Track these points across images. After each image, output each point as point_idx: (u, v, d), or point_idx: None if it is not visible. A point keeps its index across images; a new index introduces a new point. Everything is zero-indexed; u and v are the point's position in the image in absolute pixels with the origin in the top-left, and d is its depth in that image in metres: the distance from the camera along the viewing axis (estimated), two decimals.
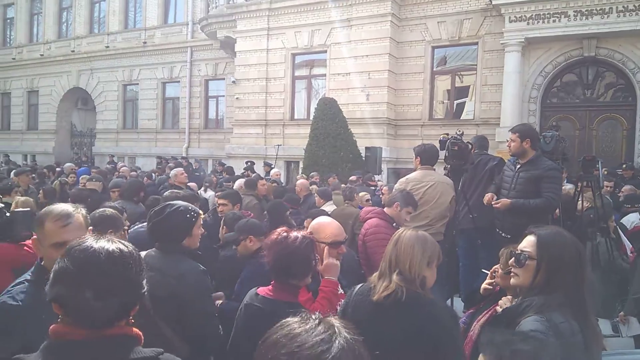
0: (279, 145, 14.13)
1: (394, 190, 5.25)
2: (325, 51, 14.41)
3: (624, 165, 9.48)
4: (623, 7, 10.71)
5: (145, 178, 10.46)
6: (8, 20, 23.71)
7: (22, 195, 5.60)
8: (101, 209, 3.34)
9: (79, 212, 1.93)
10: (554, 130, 5.01)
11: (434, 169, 4.71)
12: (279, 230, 2.29)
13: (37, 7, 22.55)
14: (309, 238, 2.25)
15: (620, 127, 11.87)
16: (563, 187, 5.04)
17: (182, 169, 7.64)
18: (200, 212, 2.64)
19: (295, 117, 15.18)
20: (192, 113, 18.26)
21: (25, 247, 3.14)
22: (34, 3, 22.66)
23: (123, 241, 1.29)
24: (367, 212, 4.12)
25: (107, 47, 19.93)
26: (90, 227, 2.02)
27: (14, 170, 9.68)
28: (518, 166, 4.45)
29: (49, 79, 21.77)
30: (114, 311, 1.19)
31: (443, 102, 13.93)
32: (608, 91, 12.09)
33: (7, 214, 3.29)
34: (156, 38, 18.96)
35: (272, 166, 12.87)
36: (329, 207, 6.14)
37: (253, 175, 11.14)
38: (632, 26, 10.69)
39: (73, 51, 20.87)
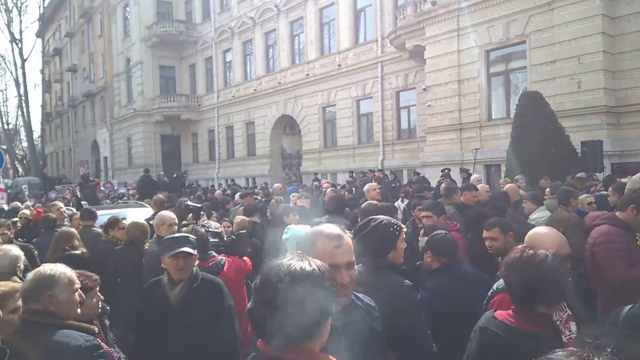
0: (476, 149, 13.39)
1: (626, 189, 4.46)
2: (524, 42, 13.32)
3: None
4: None
5: (346, 192, 10.95)
6: (227, 64, 27.76)
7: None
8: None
9: (347, 235, 1.88)
10: None
11: None
12: (520, 246, 2.07)
13: (249, 48, 25.93)
14: (559, 256, 1.98)
15: None
16: None
17: (374, 184, 7.65)
18: (402, 225, 2.55)
19: (493, 117, 14.27)
20: (385, 126, 18.66)
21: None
22: (246, 45, 26.12)
23: (315, 261, 1.33)
24: (594, 218, 3.56)
25: (307, 74, 21.77)
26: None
27: (239, 193, 11.13)
28: None
29: (261, 110, 24.78)
30: (303, 331, 1.21)
31: None
32: None
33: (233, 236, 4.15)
34: (349, 59, 20.02)
35: (470, 172, 12.24)
36: (540, 213, 5.51)
37: (449, 183, 10.82)
38: None
39: (279, 83, 23.38)
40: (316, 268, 1.28)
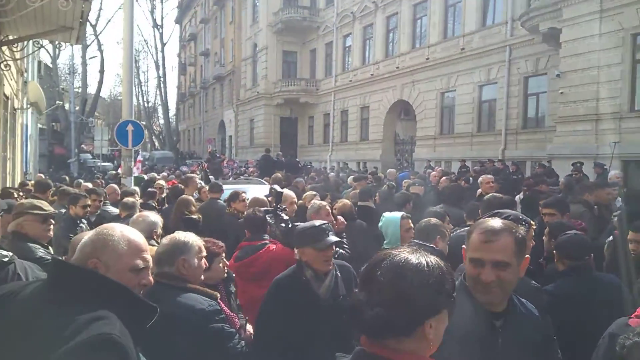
0: (615, 142, 12.07)
1: None
2: None
3: None
4: None
5: (463, 182, 10.50)
6: (347, 49, 27.99)
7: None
8: (426, 219, 3.54)
9: (511, 232, 1.73)
10: None
11: None
12: None
13: (369, 32, 25.86)
14: None
15: None
16: None
17: (490, 176, 7.15)
18: (532, 222, 2.42)
19: (637, 108, 12.72)
20: (510, 113, 17.52)
21: None
22: (366, 29, 26.09)
23: (429, 256, 1.24)
24: None
25: (427, 59, 21.18)
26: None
27: (352, 177, 11.25)
28: None
29: (377, 95, 24.67)
30: (403, 329, 1.15)
31: None
32: None
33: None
34: (474, 42, 19.06)
35: (606, 167, 11.11)
36: None
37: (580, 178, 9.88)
38: None
39: (397, 67, 23.04)
40: (425, 262, 1.20)
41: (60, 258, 1.60)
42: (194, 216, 5.34)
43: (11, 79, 10.34)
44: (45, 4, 5.61)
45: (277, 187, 5.08)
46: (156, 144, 54.51)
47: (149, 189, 7.59)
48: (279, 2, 31.31)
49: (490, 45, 18.21)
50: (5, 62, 8.08)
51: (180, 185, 7.61)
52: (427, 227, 3.36)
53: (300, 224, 3.11)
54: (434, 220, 3.47)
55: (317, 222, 2.86)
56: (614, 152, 11.94)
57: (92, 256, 1.53)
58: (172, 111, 53.87)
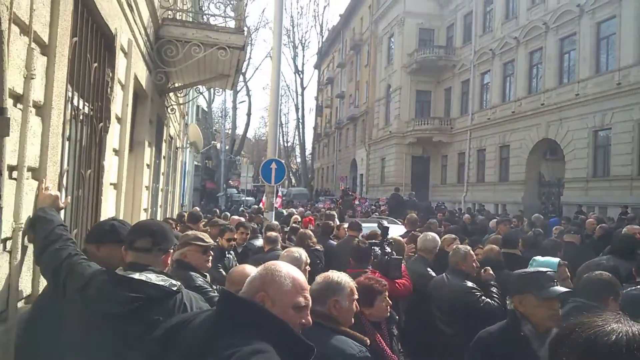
0: None
1: None
2: None
3: None
4: None
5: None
6: (485, 86, 27.08)
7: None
8: (596, 272, 3.05)
9: None
10: None
11: None
12: None
13: (510, 69, 24.79)
14: None
15: None
16: None
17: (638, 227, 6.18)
18: None
19: None
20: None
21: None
22: (506, 66, 25.05)
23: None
24: None
25: (577, 94, 19.55)
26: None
27: (495, 220, 10.66)
28: None
29: (519, 133, 23.26)
30: None
31: None
32: None
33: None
34: (631, 77, 17.17)
35: None
36: None
37: None
38: None
39: (542, 104, 21.59)
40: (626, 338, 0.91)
41: (229, 290, 1.72)
42: (317, 247, 5.86)
43: (175, 121, 11.78)
44: (207, 54, 6.34)
45: (384, 221, 5.53)
46: (293, 180, 57.52)
47: (293, 225, 7.98)
48: (414, 43, 31.65)
49: None
50: (171, 107, 9.26)
51: (328, 221, 7.86)
52: (597, 282, 2.81)
53: (518, 271, 2.81)
54: (606, 274, 2.92)
55: (542, 269, 2.59)
56: None
57: (260, 290, 1.62)
58: (308, 150, 56.71)
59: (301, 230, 6.24)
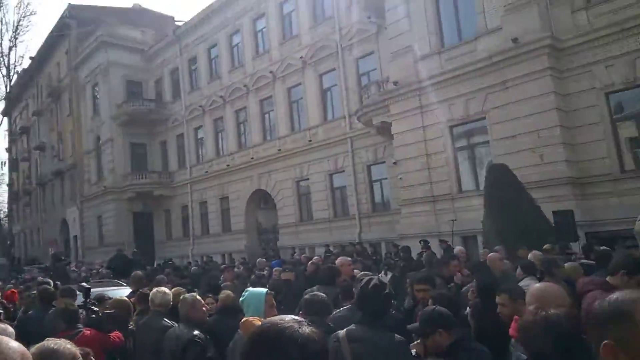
0: (453, 220, 13.59)
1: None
2: (484, 117, 13.93)
3: None
4: None
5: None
6: (199, 140, 28.05)
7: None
8: (310, 294, 3.82)
9: None
10: None
11: None
12: (532, 308, 2.06)
13: (220, 125, 26.36)
14: (572, 314, 1.99)
15: None
16: None
17: (348, 259, 7.50)
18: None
19: (463, 189, 14.66)
20: (360, 199, 18.95)
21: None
22: (217, 122, 26.57)
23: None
24: (584, 284, 3.67)
25: (279, 150, 22.17)
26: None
27: (223, 266, 11.08)
28: None
29: (235, 185, 24.88)
30: None
31: (633, 152, 12.14)
32: None
33: None
34: (319, 135, 20.55)
35: (449, 243, 12.43)
36: (529, 281, 5.46)
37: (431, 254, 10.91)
38: None
39: (252, 158, 23.66)
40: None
41: None
42: None
43: None
44: None
45: (85, 284, 5.90)
46: None
47: None
48: (122, 94, 30.45)
49: (333, 138, 19.82)
50: None
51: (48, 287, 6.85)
52: (318, 302, 3.52)
53: None
54: (322, 295, 3.65)
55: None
56: (453, 229, 13.41)
57: None
58: (3, 212, 47.67)
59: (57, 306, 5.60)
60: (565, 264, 5.82)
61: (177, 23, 32.75)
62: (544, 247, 8.08)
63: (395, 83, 15.80)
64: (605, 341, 1.19)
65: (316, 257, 12.02)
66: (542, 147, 12.54)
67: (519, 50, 12.85)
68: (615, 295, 1.26)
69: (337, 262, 7.30)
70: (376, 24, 18.01)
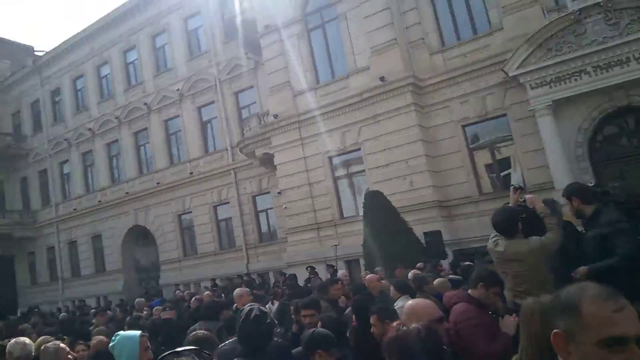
0: (335, 245, 14.25)
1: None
2: (359, 149, 14.93)
3: None
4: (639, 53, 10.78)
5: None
6: (65, 176, 25.88)
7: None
8: (194, 332, 3.83)
9: None
10: (619, 180, 4.79)
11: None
12: (395, 324, 2.13)
13: (89, 159, 24.63)
14: (433, 327, 2.07)
15: None
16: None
17: (246, 289, 7.45)
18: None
19: (345, 215, 15.48)
20: (246, 230, 18.95)
21: None
22: (85, 156, 24.78)
23: None
24: (450, 298, 3.79)
25: (158, 183, 21.34)
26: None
27: (92, 311, 10.36)
28: (582, 228, 4.24)
29: (109, 222, 23.31)
30: None
31: (489, 176, 13.92)
32: None
33: None
34: (200, 167, 20.22)
35: (335, 267, 13.01)
36: (401, 302, 5.43)
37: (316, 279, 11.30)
38: None
39: (127, 193, 22.42)
40: None
41: None
42: None
43: None
44: None
45: None
46: None
47: None
48: None
49: (216, 169, 19.64)
50: None
51: None
52: (200, 340, 3.50)
53: None
54: (204, 332, 3.75)
55: None
56: (336, 254, 14.07)
57: None
58: None
59: None
60: (435, 280, 6.28)
61: (37, 53, 30.17)
62: (417, 265, 8.83)
63: (275, 116, 16.29)
64: (556, 330, 1.28)
65: (207, 292, 11.85)
66: (411, 175, 13.78)
67: (386, 87, 14.11)
68: (566, 289, 1.33)
69: (235, 294, 7.19)
70: (254, 60, 18.47)
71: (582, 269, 3.87)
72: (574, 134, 12.07)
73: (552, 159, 11.86)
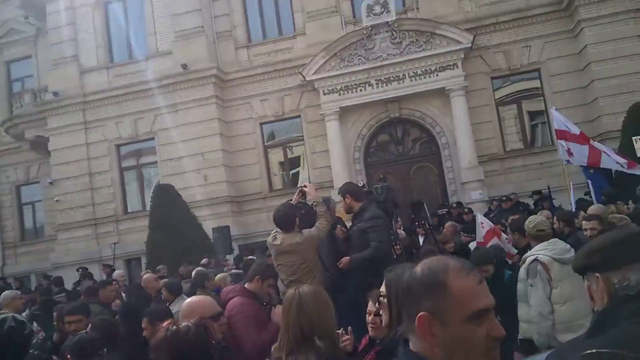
0: (114, 243, 12.92)
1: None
2: (153, 138, 14.03)
3: (504, 198, 9.94)
4: (413, 72, 12.54)
5: None
6: None
7: None
8: None
9: None
10: (382, 182, 5.58)
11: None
12: (165, 324, 2.08)
13: None
14: (202, 324, 1.99)
15: (431, 174, 13.47)
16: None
17: (154, 275, 7.04)
18: None
19: (129, 210, 14.21)
20: (5, 226, 16.00)
21: None
22: None
23: None
24: (227, 292, 3.86)
25: None
26: None
27: None
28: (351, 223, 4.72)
29: None
30: None
31: (279, 174, 14.41)
32: (416, 144, 13.72)
33: None
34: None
35: (113, 267, 11.69)
36: (181, 301, 5.59)
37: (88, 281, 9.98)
38: (423, 88, 12.56)
39: None
40: None
41: None
42: None
43: None
44: None
45: None
46: None
47: None
48: None
49: None
50: None
51: None
52: None
53: None
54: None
55: None
56: (115, 253, 12.70)
57: None
58: None
59: None
60: (216, 276, 6.34)
61: None
62: (202, 261, 8.71)
63: (55, 94, 14.28)
64: (421, 313, 1.12)
65: None
66: (206, 169, 13.43)
67: (188, 76, 13.61)
68: (425, 266, 1.18)
69: (143, 279, 6.91)
70: (35, 26, 16.03)
71: (346, 259, 4.44)
72: (354, 139, 13.36)
73: (334, 160, 12.88)
